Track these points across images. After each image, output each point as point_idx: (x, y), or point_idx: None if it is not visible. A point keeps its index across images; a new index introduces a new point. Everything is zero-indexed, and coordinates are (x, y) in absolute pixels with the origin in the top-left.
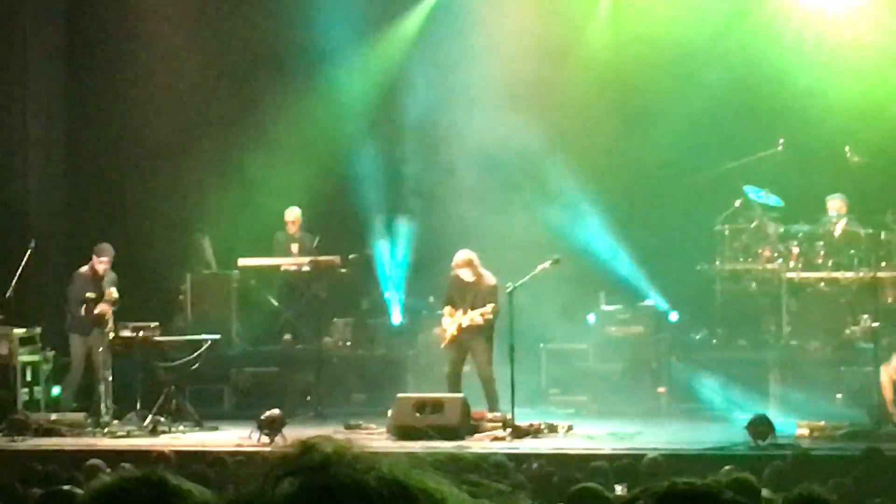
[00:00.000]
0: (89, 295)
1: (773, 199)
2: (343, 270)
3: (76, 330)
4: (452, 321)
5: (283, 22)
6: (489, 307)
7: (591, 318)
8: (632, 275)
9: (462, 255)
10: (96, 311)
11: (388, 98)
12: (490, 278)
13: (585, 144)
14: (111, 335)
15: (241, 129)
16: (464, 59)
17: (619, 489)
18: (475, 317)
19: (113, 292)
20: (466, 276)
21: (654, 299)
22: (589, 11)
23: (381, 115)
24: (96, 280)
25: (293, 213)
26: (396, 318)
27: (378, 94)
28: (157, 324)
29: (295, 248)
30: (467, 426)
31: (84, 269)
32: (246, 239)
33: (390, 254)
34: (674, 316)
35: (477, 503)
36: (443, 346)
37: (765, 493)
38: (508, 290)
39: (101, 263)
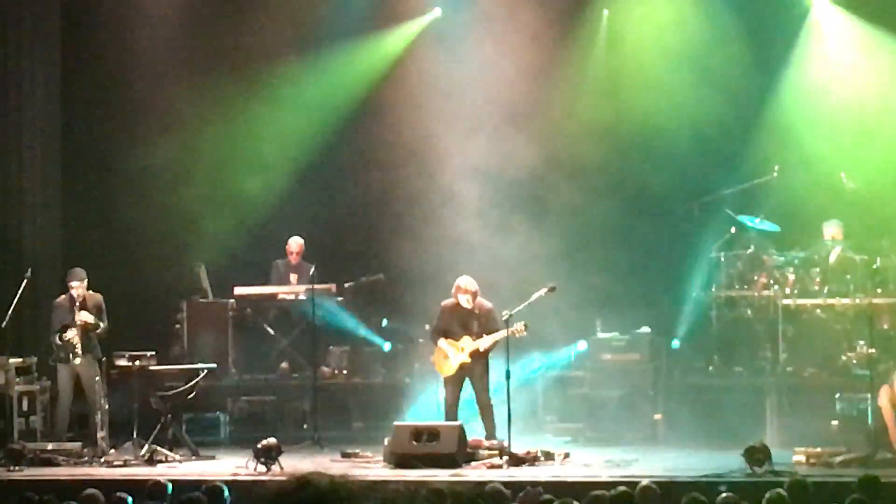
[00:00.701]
0: (65, 323)
1: (768, 226)
2: (339, 299)
3: (59, 359)
4: (458, 349)
5: (278, 40)
6: (520, 325)
7: (582, 345)
8: (628, 302)
9: (470, 281)
10: (66, 337)
11: (383, 118)
12: (486, 303)
13: (578, 170)
14: (77, 361)
15: (237, 154)
16: (456, 77)
17: None
18: (485, 343)
19: (85, 317)
20: (467, 302)
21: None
22: (586, 39)
23: (376, 136)
24: (73, 307)
25: (297, 243)
26: (387, 346)
27: (372, 114)
28: (153, 353)
29: (294, 277)
30: (464, 454)
31: (61, 297)
32: (242, 267)
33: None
34: (675, 343)
35: None
36: (446, 375)
37: None
38: (505, 317)
39: (73, 289)
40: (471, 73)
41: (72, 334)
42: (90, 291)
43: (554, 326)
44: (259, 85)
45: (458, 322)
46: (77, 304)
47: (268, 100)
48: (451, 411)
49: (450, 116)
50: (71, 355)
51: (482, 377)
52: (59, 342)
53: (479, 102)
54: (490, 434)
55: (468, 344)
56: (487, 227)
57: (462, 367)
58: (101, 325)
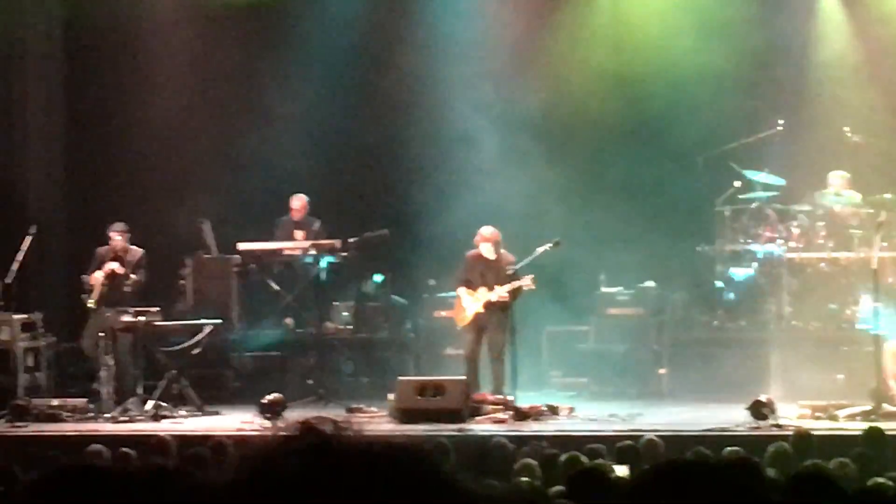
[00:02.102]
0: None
1: (773, 179)
2: (344, 254)
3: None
4: (475, 299)
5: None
6: (528, 279)
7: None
8: (632, 256)
9: (491, 230)
10: (88, 279)
11: (391, 80)
12: (509, 255)
13: (584, 124)
14: (90, 303)
15: (243, 112)
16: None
17: (621, 471)
18: (502, 293)
19: (112, 265)
20: (489, 252)
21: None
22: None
23: (386, 98)
24: (110, 257)
25: (299, 200)
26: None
27: (379, 77)
28: (157, 308)
29: (300, 234)
30: (469, 409)
31: (103, 247)
32: (247, 223)
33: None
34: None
35: (480, 482)
36: (461, 326)
37: (767, 473)
38: (509, 272)
39: (111, 239)
40: (477, 22)
41: (95, 278)
42: (134, 246)
43: (559, 281)
44: (261, 38)
45: (479, 272)
46: (112, 254)
47: (271, 53)
48: (471, 362)
49: (455, 66)
50: (87, 296)
51: (496, 331)
52: (84, 282)
53: (484, 53)
54: (498, 388)
55: (483, 294)
56: (492, 182)
57: (476, 316)
58: (133, 277)
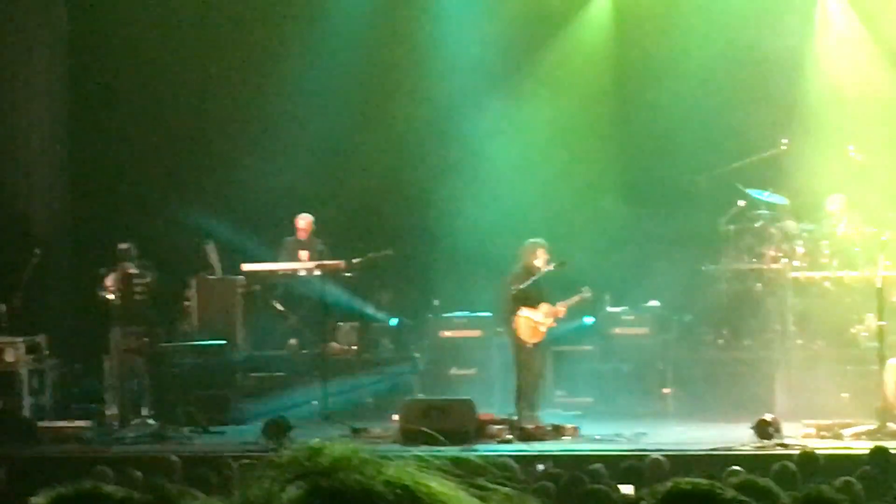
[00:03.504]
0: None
1: (777, 199)
2: (348, 274)
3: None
4: (545, 315)
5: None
6: (586, 290)
7: (589, 320)
8: (637, 276)
9: (543, 243)
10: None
11: (395, 99)
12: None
13: (588, 142)
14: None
15: (248, 131)
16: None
17: (625, 490)
18: (565, 307)
19: (126, 266)
20: (543, 265)
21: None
22: (593, 17)
23: (388, 115)
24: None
25: (305, 220)
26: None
27: (384, 93)
28: (162, 330)
29: (304, 254)
30: (474, 429)
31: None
32: (251, 244)
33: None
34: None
35: None
36: (534, 342)
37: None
38: (513, 292)
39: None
40: (481, 42)
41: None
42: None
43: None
44: (266, 56)
45: (535, 288)
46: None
47: (275, 72)
48: (537, 380)
49: (459, 86)
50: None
51: (545, 348)
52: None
53: (488, 73)
54: (534, 408)
55: (548, 309)
56: (496, 203)
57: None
58: (149, 273)
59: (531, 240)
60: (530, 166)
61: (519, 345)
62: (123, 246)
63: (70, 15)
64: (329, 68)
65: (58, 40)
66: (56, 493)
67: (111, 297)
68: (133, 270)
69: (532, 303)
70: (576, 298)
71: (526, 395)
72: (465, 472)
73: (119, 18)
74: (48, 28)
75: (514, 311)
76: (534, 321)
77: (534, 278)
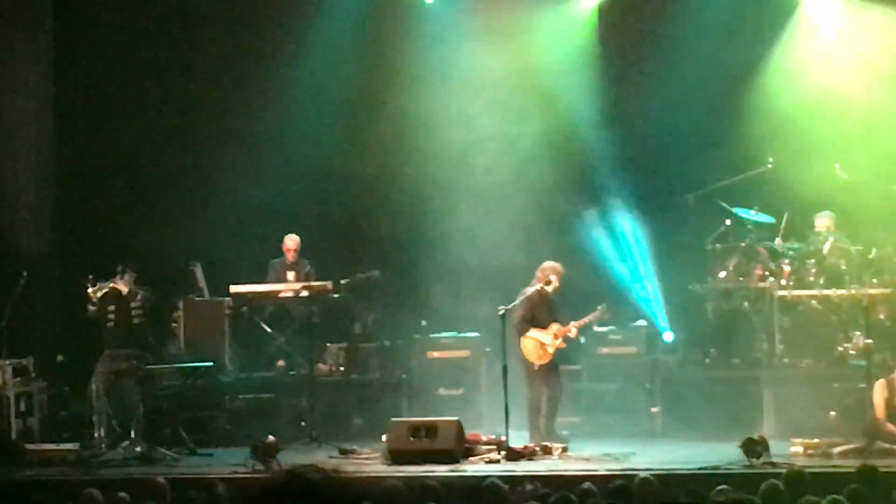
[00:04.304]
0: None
1: (763, 218)
2: (335, 295)
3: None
4: (553, 336)
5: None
6: (603, 308)
7: (669, 336)
8: (624, 295)
9: (557, 267)
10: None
11: (381, 118)
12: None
13: (572, 164)
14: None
15: (233, 152)
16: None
17: None
18: (576, 327)
19: (115, 282)
20: (555, 287)
21: (649, 319)
22: (578, 30)
23: (376, 136)
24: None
25: (293, 241)
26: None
27: (370, 115)
28: (149, 352)
29: (291, 275)
30: (462, 449)
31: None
32: (238, 266)
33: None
34: (668, 336)
35: None
36: (541, 364)
37: None
38: (501, 312)
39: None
40: (468, 58)
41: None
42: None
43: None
44: (251, 74)
45: (546, 309)
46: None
47: (262, 90)
48: (538, 402)
49: (447, 103)
50: (90, 305)
51: (556, 371)
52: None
53: (475, 89)
54: (551, 433)
55: (559, 330)
56: (483, 222)
57: (554, 353)
58: (141, 292)
59: (549, 262)
60: (518, 183)
61: (527, 366)
62: (119, 267)
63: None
64: (316, 86)
65: (43, 60)
66: None
67: (107, 320)
68: (122, 289)
69: (542, 323)
70: (588, 318)
71: (531, 416)
72: (453, 491)
73: (104, 45)
74: (34, 38)
75: (523, 333)
76: (541, 342)
77: (525, 298)
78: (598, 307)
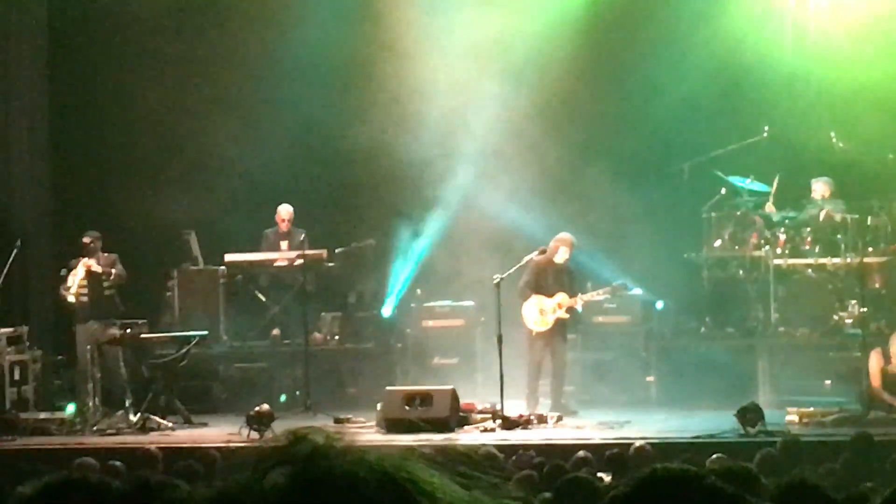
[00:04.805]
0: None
1: (758, 186)
2: (330, 264)
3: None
4: (556, 305)
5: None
6: (619, 284)
7: (660, 304)
8: (619, 264)
9: (571, 236)
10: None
11: (376, 87)
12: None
13: (569, 131)
14: (70, 299)
15: (228, 121)
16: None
17: (606, 478)
18: (595, 297)
19: (88, 262)
20: (563, 258)
21: (640, 289)
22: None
23: (372, 106)
24: (89, 276)
25: (286, 211)
26: (387, 310)
27: (365, 84)
28: (144, 321)
29: (285, 244)
30: (457, 418)
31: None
32: (233, 235)
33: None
34: (659, 304)
35: (468, 495)
36: (539, 331)
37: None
38: (496, 281)
39: (84, 245)
40: (465, 28)
41: (74, 272)
42: (105, 253)
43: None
44: (247, 47)
45: (553, 278)
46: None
47: (257, 62)
48: (537, 371)
49: (442, 74)
50: (66, 292)
51: (562, 342)
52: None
53: (471, 61)
54: (557, 402)
55: (565, 300)
56: (479, 192)
57: (555, 323)
58: (113, 271)
59: (563, 233)
60: (512, 155)
61: (525, 332)
62: (86, 239)
63: (49, 10)
64: (310, 56)
65: (38, 31)
66: (43, 483)
67: (71, 298)
68: (96, 269)
69: (547, 291)
70: (598, 293)
71: (530, 383)
72: (448, 460)
73: (98, 12)
74: (28, 20)
75: (524, 298)
76: (541, 309)
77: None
78: (613, 283)
